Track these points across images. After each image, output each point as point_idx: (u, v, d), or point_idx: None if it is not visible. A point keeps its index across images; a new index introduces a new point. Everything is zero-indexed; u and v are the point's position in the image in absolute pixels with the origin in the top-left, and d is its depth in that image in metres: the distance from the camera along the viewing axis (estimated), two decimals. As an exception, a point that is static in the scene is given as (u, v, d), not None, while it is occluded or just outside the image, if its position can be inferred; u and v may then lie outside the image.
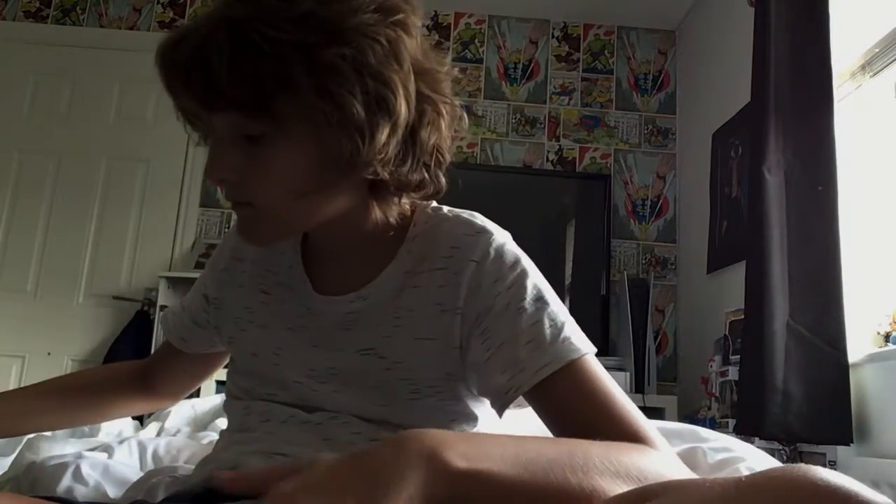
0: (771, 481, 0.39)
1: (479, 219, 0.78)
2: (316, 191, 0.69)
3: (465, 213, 0.78)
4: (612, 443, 0.59)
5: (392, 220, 0.75)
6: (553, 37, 3.72)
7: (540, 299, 0.72)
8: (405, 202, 0.76)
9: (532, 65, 3.68)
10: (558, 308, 0.72)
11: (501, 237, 0.76)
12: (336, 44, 0.63)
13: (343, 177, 0.68)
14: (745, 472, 0.68)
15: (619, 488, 0.54)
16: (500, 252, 0.74)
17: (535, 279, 0.74)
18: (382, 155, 0.67)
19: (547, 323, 0.70)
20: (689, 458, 0.76)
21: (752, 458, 0.72)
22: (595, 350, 0.71)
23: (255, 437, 0.74)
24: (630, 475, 0.56)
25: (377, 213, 0.74)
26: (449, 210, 0.79)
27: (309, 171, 0.67)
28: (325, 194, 0.70)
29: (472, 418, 0.76)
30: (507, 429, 0.81)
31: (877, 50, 2.22)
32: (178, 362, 0.98)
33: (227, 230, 3.51)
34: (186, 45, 0.63)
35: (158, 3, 3.70)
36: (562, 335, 0.69)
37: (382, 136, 0.66)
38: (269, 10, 0.62)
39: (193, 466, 0.85)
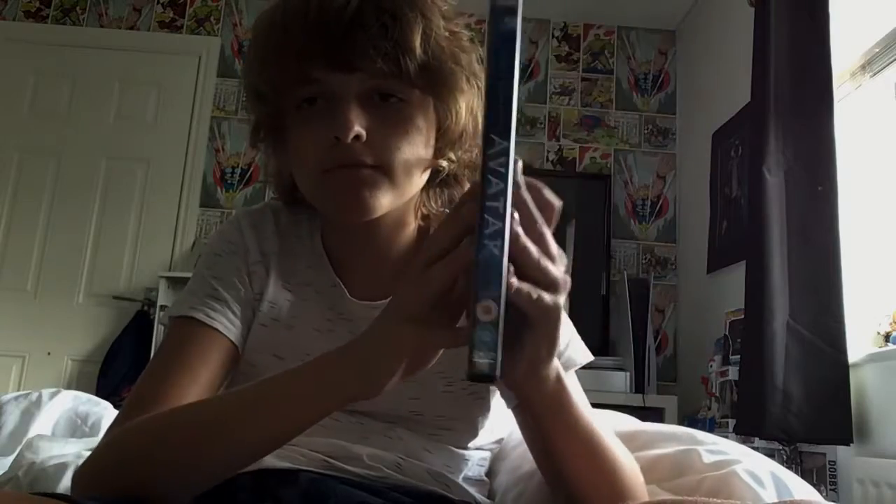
0: None
1: None
2: (426, 161, 0.73)
3: None
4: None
5: (420, 221, 0.79)
6: (553, 37, 3.72)
7: None
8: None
9: (532, 65, 3.68)
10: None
11: None
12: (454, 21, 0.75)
13: (439, 151, 0.74)
14: (742, 473, 0.68)
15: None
16: None
17: None
18: (459, 135, 0.74)
19: (566, 329, 0.76)
20: (684, 459, 0.76)
21: (748, 461, 0.71)
22: (591, 358, 0.78)
23: None
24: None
25: (421, 208, 0.79)
26: None
27: (428, 138, 0.72)
28: (424, 168, 0.74)
29: (489, 409, 0.79)
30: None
31: (877, 50, 2.22)
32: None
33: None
34: (348, 8, 0.66)
35: (158, 3, 3.70)
36: (571, 342, 0.77)
37: (464, 113, 0.74)
38: None
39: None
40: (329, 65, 0.67)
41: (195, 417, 0.61)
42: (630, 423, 0.92)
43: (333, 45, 0.66)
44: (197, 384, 0.68)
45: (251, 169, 3.51)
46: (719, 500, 0.46)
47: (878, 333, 2.11)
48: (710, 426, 2.47)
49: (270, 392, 0.59)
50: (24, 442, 1.11)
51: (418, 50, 0.67)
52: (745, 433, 2.15)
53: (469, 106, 0.74)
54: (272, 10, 0.71)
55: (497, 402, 0.79)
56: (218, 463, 0.59)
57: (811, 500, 0.38)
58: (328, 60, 0.67)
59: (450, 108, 0.72)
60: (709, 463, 0.73)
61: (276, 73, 0.69)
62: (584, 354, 0.78)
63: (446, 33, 0.71)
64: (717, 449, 0.76)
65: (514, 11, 0.38)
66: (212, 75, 3.60)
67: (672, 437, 0.83)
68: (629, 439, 0.86)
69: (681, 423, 2.80)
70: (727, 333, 2.52)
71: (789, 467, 2.05)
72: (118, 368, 3.14)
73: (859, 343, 2.08)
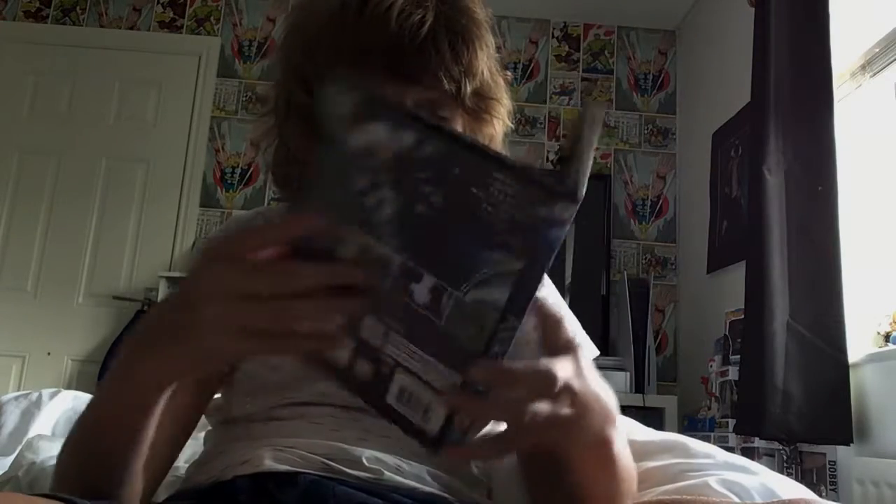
0: None
1: None
2: None
3: None
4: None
5: None
6: (553, 37, 3.72)
7: (562, 304, 0.80)
8: None
9: (532, 65, 3.68)
10: (571, 314, 0.78)
11: None
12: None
13: None
14: (714, 483, 0.67)
15: None
16: None
17: (553, 288, 0.81)
18: None
19: (571, 323, 0.77)
20: (676, 470, 0.76)
21: (730, 473, 0.70)
22: (597, 353, 0.78)
23: (263, 432, 0.73)
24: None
25: None
26: None
27: None
28: None
29: None
30: None
31: (877, 50, 2.22)
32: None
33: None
34: (425, 25, 0.67)
35: (158, 3, 3.70)
36: (576, 337, 0.77)
37: (499, 140, 0.79)
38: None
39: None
40: (391, 74, 0.67)
41: (81, 424, 0.64)
42: (627, 428, 0.92)
43: (403, 56, 0.66)
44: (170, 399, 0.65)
45: (251, 169, 3.51)
46: (718, 500, 0.46)
47: (878, 333, 2.10)
48: (710, 426, 2.47)
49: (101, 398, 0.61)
50: (24, 442, 1.11)
51: (480, 76, 0.70)
52: (744, 433, 2.15)
53: (504, 135, 0.76)
54: (330, 4, 0.69)
55: None
56: (121, 461, 0.59)
57: (807, 499, 0.38)
58: (391, 68, 0.67)
59: (485, 133, 0.75)
60: (690, 473, 0.72)
61: (335, 70, 0.68)
62: (590, 349, 0.78)
63: (496, 65, 0.74)
64: (705, 463, 0.75)
65: (564, 224, 0.38)
66: (212, 75, 3.60)
67: (664, 448, 0.82)
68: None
69: (681, 422, 2.80)
70: (727, 333, 2.52)
71: (789, 467, 2.05)
72: (118, 368, 3.13)
73: (859, 343, 2.07)
